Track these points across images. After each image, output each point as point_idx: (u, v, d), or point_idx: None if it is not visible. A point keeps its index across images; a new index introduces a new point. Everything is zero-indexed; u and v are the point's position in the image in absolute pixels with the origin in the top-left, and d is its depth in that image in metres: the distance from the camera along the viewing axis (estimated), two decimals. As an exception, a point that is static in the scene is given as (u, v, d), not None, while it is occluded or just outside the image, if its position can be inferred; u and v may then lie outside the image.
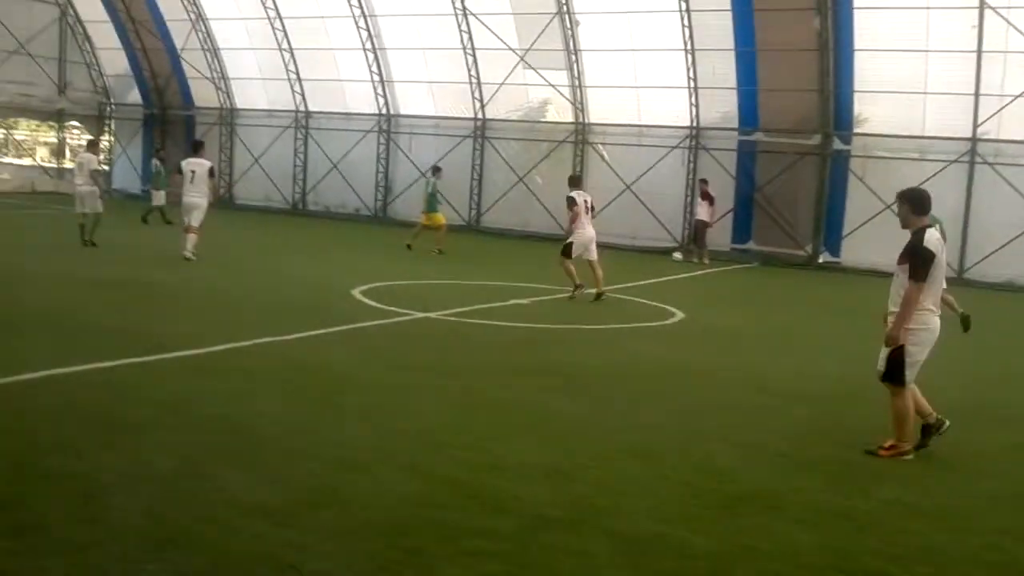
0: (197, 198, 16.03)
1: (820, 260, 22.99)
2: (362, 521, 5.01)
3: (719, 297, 17.21)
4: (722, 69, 23.51)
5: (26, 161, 37.13)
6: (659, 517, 5.37)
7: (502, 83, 26.35)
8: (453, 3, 25.78)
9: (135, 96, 34.02)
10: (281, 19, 28.94)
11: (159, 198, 23.49)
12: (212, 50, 31.00)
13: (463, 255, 20.42)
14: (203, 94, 32.14)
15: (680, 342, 11.73)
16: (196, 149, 16.97)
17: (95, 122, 34.84)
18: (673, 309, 13.96)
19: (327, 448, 6.23)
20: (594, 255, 14.72)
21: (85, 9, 32.63)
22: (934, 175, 20.82)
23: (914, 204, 6.80)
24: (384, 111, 28.96)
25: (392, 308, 12.25)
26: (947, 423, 6.97)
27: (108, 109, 34.89)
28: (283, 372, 8.39)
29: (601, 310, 13.90)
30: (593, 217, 15.14)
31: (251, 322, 10.70)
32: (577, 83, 25.59)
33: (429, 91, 28.33)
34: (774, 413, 8.15)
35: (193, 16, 30.25)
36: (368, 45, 27.98)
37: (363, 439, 6.51)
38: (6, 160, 36.21)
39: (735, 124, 24.09)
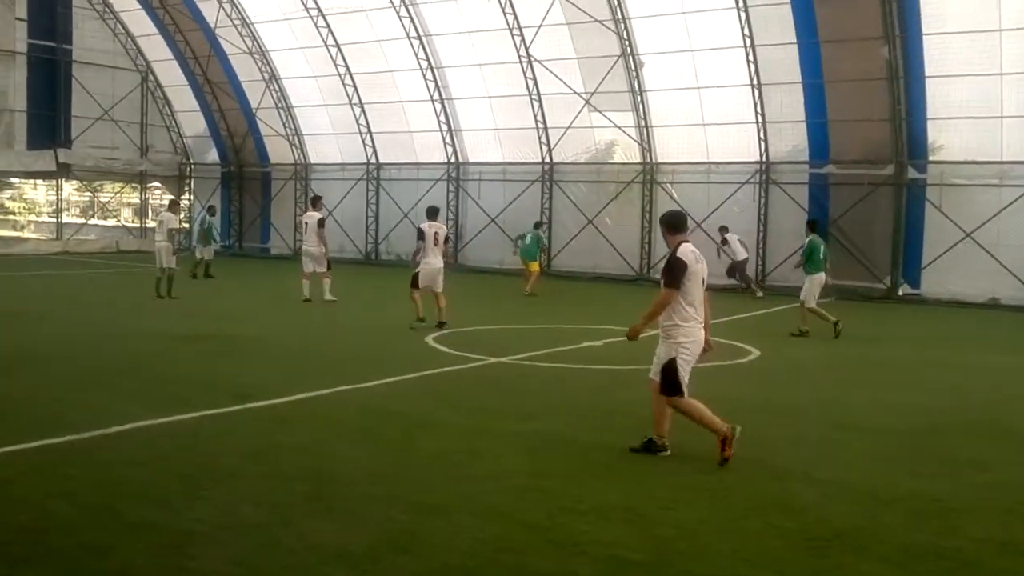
0: (310, 247, 18.08)
1: (900, 292, 22.46)
2: (441, 565, 5.03)
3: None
4: (790, 102, 23.35)
5: (111, 222, 38.55)
6: (742, 558, 5.28)
7: (568, 127, 26.56)
8: (518, 51, 26.15)
9: (213, 155, 35.18)
10: (352, 75, 29.70)
11: (207, 252, 24.24)
12: (286, 108, 31.93)
13: (534, 299, 20.48)
14: (278, 151, 33.08)
15: (757, 379, 11.55)
16: (314, 203, 19.20)
17: (176, 182, 36.07)
18: (749, 347, 13.77)
19: (406, 493, 6.28)
20: (439, 287, 14.95)
21: (164, 74, 33.98)
22: (1013, 202, 20.25)
23: (667, 225, 7.50)
24: (453, 159, 29.39)
25: (465, 354, 12.32)
26: (668, 451, 7.27)
27: (188, 169, 36.09)
28: (361, 419, 8.50)
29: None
30: (445, 249, 15.44)
31: (328, 371, 10.88)
32: (643, 123, 25.65)
33: (496, 138, 28.69)
34: (855, 448, 7.96)
35: (267, 76, 31.24)
36: (436, 96, 28.51)
37: (441, 484, 6.55)
38: (92, 222, 37.65)
39: (805, 157, 23.85)
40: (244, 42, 30.75)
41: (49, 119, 31.39)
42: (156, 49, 33.32)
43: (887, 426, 8.88)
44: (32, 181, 42.04)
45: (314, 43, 29.58)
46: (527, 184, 27.74)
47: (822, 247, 16.18)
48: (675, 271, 7.12)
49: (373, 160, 31.05)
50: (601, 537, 5.51)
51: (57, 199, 36.92)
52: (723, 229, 23.34)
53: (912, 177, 22.29)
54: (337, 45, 29.32)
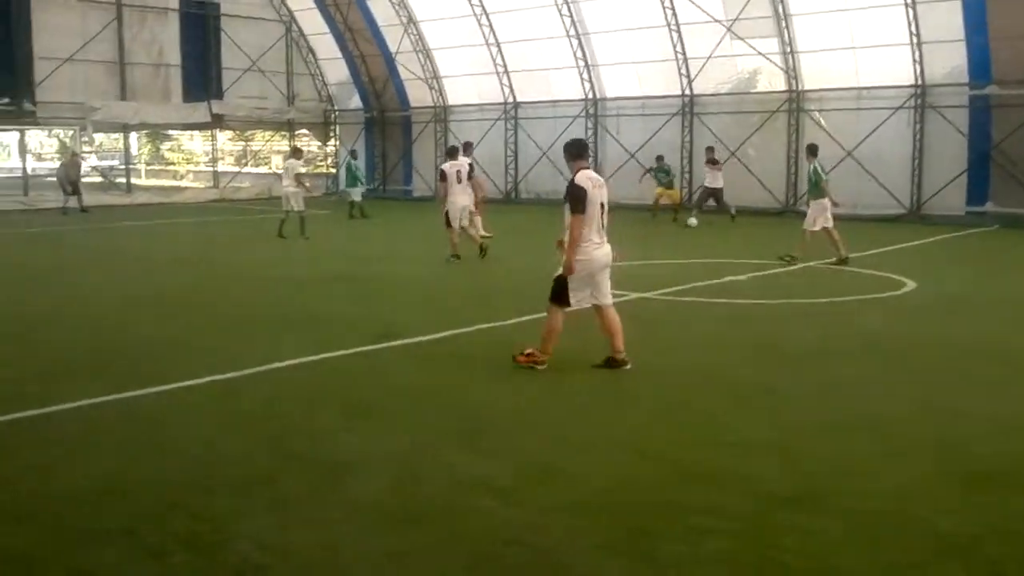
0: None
1: (1071, 219, 20.99)
2: (586, 499, 5.09)
3: (955, 264, 16.10)
4: (947, 20, 21.88)
5: (263, 169, 40.07)
6: (897, 495, 5.13)
7: (709, 56, 25.75)
8: (655, -20, 25.45)
9: (356, 101, 35.91)
10: (487, 15, 29.62)
11: (356, 194, 25.58)
12: (424, 51, 32.20)
13: (676, 232, 20.18)
14: (417, 94, 33.47)
15: (912, 313, 11.08)
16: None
17: (322, 128, 37.08)
18: (904, 279, 13.19)
19: (550, 428, 6.37)
20: (467, 222, 15.66)
21: (307, 23, 34.76)
22: None
23: (569, 153, 7.92)
24: (590, 96, 29.05)
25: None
26: (629, 365, 7.76)
27: (332, 116, 37.01)
28: (501, 356, 8.62)
29: (827, 283, 13.36)
30: (475, 183, 16.12)
31: (470, 309, 11.07)
32: (789, 49, 24.62)
33: (634, 72, 28.13)
34: (1018, 385, 7.55)
35: (404, 20, 31.53)
36: (572, 32, 28.14)
37: (585, 419, 6.61)
38: (246, 170, 39.24)
39: (965, 79, 22.38)
40: (382, -13, 31.07)
41: (201, 72, 32.67)
42: (298, -1, 34.11)
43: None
44: (189, 132, 44.04)
45: (450, -16, 29.60)
46: (667, 118, 27.16)
47: (820, 170, 15.58)
48: (578, 198, 7.55)
49: (510, 99, 31.02)
50: (749, 472, 5.45)
51: (212, 149, 38.63)
52: (710, 150, 23.45)
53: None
54: (473, -15, 29.25)
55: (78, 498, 5.08)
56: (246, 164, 40.06)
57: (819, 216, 15.10)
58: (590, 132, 29.06)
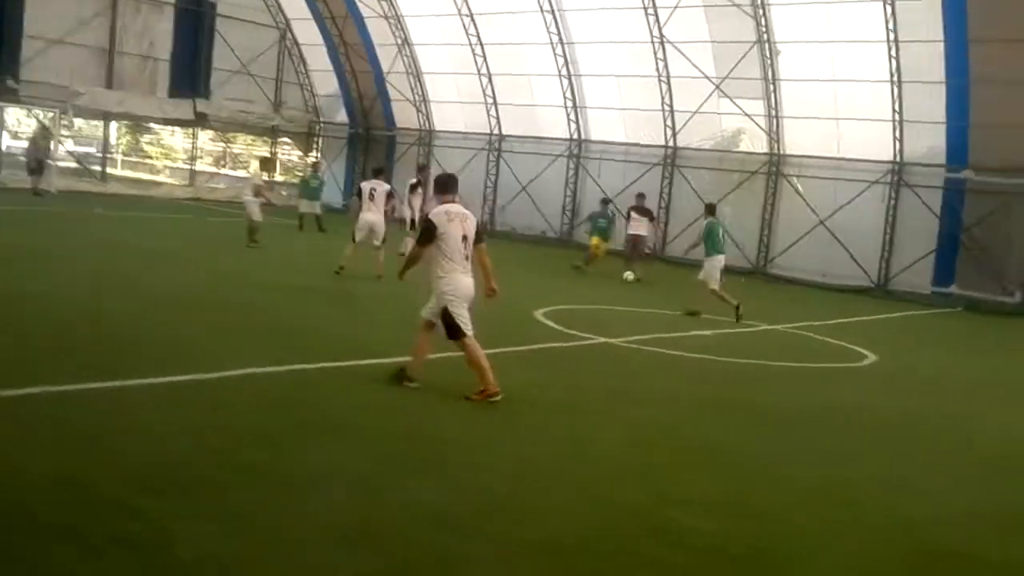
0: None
1: (1032, 308, 21.42)
2: (538, 538, 5.08)
3: (917, 340, 16.36)
4: (930, 102, 22.39)
5: (240, 172, 39.83)
6: (843, 566, 5.17)
7: (695, 111, 26.10)
8: (651, 31, 25.81)
9: (342, 116, 35.93)
10: (482, 45, 29.85)
11: (311, 207, 25.40)
12: (415, 74, 32.34)
13: (647, 282, 20.29)
14: (404, 116, 33.55)
15: (873, 385, 11.21)
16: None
17: (305, 139, 37.01)
18: (865, 351, 13.36)
19: (506, 464, 6.36)
20: (377, 240, 15.93)
21: (302, 33, 34.81)
22: None
23: (435, 185, 8.44)
24: (575, 136, 29.30)
25: (574, 332, 12.33)
26: (416, 384, 7.99)
27: (317, 127, 36.98)
28: (467, 387, 8.61)
29: (791, 347, 13.50)
30: (387, 204, 16.39)
31: (439, 337, 11.01)
32: (774, 113, 25.02)
33: (621, 118, 28.45)
34: (979, 470, 7.65)
35: (400, 40, 31.68)
36: (564, 71, 28.42)
37: (541, 459, 6.60)
38: (224, 171, 38.98)
39: (942, 160, 22.86)
40: (380, 6, 31.21)
41: (190, 69, 32.50)
42: (296, 7, 34.11)
43: (1017, 450, 8.50)
44: (170, 128, 43.71)
45: (448, 11, 29.82)
46: (648, 167, 27.42)
47: (720, 229, 16.21)
48: (423, 231, 8.10)
49: (496, 131, 31.21)
50: (701, 527, 5.47)
51: (192, 147, 38.34)
52: (640, 196, 21.95)
53: (1058, 190, 21.16)
54: (471, 14, 29.48)
55: (23, 489, 4.98)
56: (224, 166, 39.81)
57: (717, 272, 15.61)
58: (571, 172, 29.28)
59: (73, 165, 34.66)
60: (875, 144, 23.47)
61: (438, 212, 7.98)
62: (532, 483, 6.00)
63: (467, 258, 7.97)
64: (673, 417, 8.30)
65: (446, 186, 8.24)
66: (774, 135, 25.20)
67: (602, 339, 11.99)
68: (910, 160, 23.30)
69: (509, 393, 8.46)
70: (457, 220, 7.94)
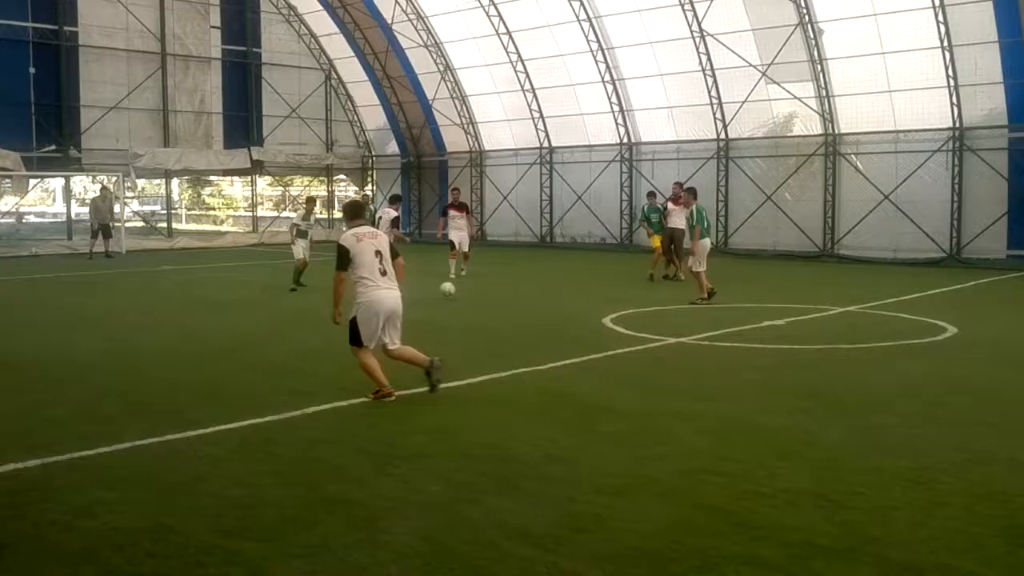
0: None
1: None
2: (624, 547, 5.05)
3: (998, 309, 15.86)
4: (985, 63, 21.84)
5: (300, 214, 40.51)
6: (940, 546, 5.03)
7: (744, 101, 25.85)
8: (690, 26, 25.66)
9: (393, 147, 36.41)
10: (523, 61, 30.00)
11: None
12: (460, 97, 32.64)
13: (712, 278, 20.04)
14: (454, 139, 33.88)
15: (954, 359, 10.91)
16: (390, 201, 18.84)
17: (359, 174, 37.58)
18: (944, 324, 13.03)
19: (586, 475, 6.34)
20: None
21: (346, 71, 35.41)
22: None
23: (343, 214, 9.08)
24: (625, 140, 29.22)
25: (643, 335, 12.27)
26: (438, 359, 8.59)
27: (370, 161, 37.51)
28: (539, 401, 8.63)
29: (865, 328, 13.23)
30: (390, 231, 17.08)
31: (507, 353, 11.08)
32: (824, 93, 24.64)
33: (669, 116, 28.30)
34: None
35: (441, 67, 32.01)
36: (607, 77, 28.40)
37: (620, 465, 6.56)
38: (284, 214, 39.69)
39: (1004, 121, 22.26)
40: (419, 35, 31.61)
41: (242, 119, 33.36)
42: (338, 47, 34.76)
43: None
44: (229, 178, 44.80)
45: (486, 32, 30.06)
46: (702, 162, 27.23)
47: (704, 212, 16.22)
48: (337, 257, 8.49)
49: (546, 144, 31.28)
50: (787, 521, 5.39)
51: (252, 194, 39.22)
52: (677, 185, 20.37)
53: None
54: (508, 33, 29.67)
55: (121, 545, 5.13)
56: (284, 209, 40.57)
57: (703, 256, 15.71)
58: (624, 176, 29.20)
59: (140, 224, 35.73)
60: (932, 112, 22.97)
61: (346, 236, 8.51)
62: (612, 491, 5.97)
63: (384, 272, 8.44)
64: (751, 410, 8.18)
65: (355, 212, 8.89)
66: (827, 115, 24.80)
67: (673, 339, 11.90)
68: (970, 124, 22.73)
69: (584, 402, 8.47)
70: (366, 239, 8.50)
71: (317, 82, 35.35)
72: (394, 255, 8.62)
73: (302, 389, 9.03)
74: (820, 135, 25.14)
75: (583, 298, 17.01)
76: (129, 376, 9.93)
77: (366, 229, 8.69)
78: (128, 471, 6.49)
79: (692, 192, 17.03)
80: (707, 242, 16.10)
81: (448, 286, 16.31)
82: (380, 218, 17.34)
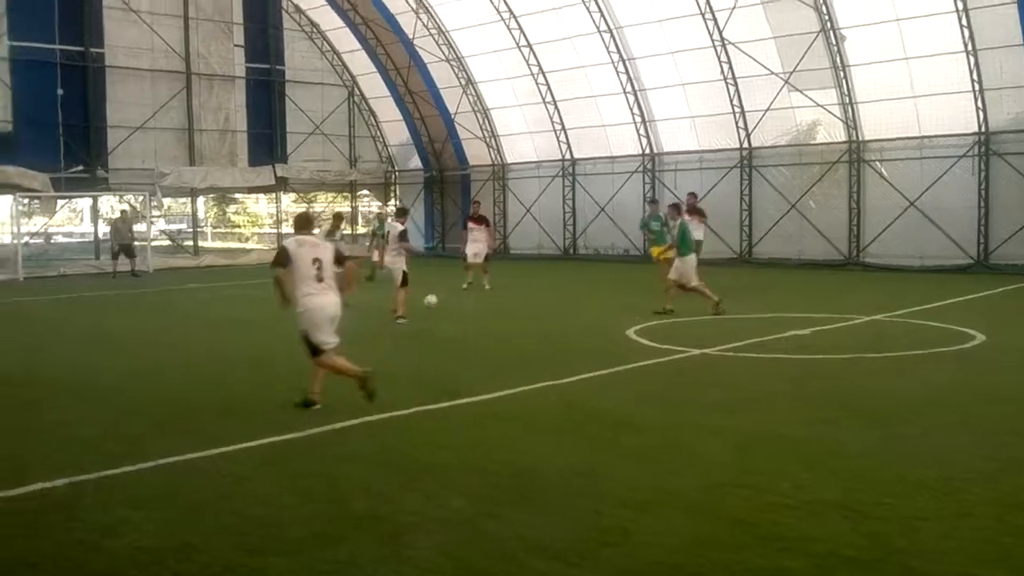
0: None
1: None
2: (649, 561, 5.02)
3: (1027, 315, 15.67)
4: (1010, 66, 21.64)
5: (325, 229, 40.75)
6: (967, 557, 4.97)
7: (767, 109, 25.77)
8: (711, 35, 25.63)
9: (416, 162, 36.58)
10: (544, 74, 30.08)
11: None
12: (482, 111, 32.75)
13: (736, 288, 19.96)
14: (476, 153, 33.99)
15: (983, 367, 10.79)
16: (397, 214, 17.98)
17: (383, 189, 37.78)
18: (972, 331, 12.89)
19: (611, 489, 6.31)
20: (396, 279, 15.77)
21: (368, 87, 35.65)
22: None
23: (295, 225, 9.47)
24: (648, 151, 29.18)
25: (667, 347, 12.22)
26: (318, 405, 8.72)
27: (393, 176, 37.70)
28: (564, 415, 8.61)
29: (892, 337, 13.11)
30: (397, 244, 15.79)
31: (531, 367, 11.07)
32: (847, 100, 24.52)
33: (691, 126, 28.25)
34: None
35: (463, 81, 32.15)
36: (628, 88, 28.40)
37: (645, 479, 6.53)
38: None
39: (1032, 124, 22.05)
40: (441, 50, 31.79)
41: (267, 137, 33.62)
42: (360, 63, 35.00)
43: None
44: (254, 196, 45.13)
45: (507, 45, 30.18)
46: (725, 171, 27.14)
47: (687, 229, 15.95)
48: (276, 255, 9.05)
49: (568, 156, 31.30)
50: (813, 533, 5.34)
51: (277, 211, 39.51)
52: (692, 196, 20.38)
53: None
54: (529, 45, 29.77)
55: (142, 561, 5.16)
56: (309, 225, 40.81)
57: (693, 270, 15.58)
58: (647, 186, 29.15)
59: (166, 243, 36.07)
60: (957, 117, 22.81)
61: (290, 241, 9.02)
62: (637, 505, 5.94)
63: (321, 280, 8.79)
64: (776, 422, 8.13)
65: (302, 224, 9.35)
66: (851, 122, 24.67)
67: (697, 351, 11.84)
68: (996, 128, 22.54)
69: (608, 416, 8.45)
70: (307, 246, 8.90)
71: (340, 98, 35.60)
72: (340, 262, 9.17)
73: (324, 406, 9.05)
74: (844, 142, 25.00)
75: (607, 310, 16.98)
76: (153, 395, 10.00)
77: (310, 238, 9.13)
78: (153, 490, 6.54)
79: (677, 208, 16.67)
80: (693, 258, 15.70)
81: (431, 298, 16.26)
82: (388, 232, 16.67)
